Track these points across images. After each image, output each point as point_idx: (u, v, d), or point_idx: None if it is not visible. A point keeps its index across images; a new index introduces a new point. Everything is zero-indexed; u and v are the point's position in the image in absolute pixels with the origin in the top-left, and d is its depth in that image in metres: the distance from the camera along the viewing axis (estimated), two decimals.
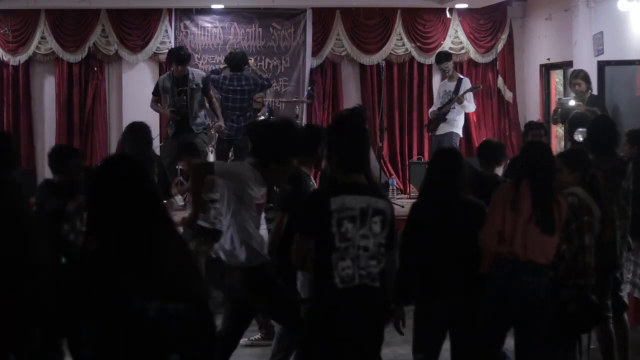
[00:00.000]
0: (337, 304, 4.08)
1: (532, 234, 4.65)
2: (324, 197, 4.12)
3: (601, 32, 10.18)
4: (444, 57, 11.13)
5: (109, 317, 2.63)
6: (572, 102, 9.01)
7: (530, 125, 7.40)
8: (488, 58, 12.60)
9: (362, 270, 4.09)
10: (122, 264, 2.64)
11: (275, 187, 5.22)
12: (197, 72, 10.02)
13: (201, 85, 9.79)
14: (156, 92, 10.01)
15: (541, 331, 4.70)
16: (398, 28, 12.33)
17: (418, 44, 12.37)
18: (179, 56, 9.75)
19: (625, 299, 5.85)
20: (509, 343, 4.99)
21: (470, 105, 10.85)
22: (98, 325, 2.65)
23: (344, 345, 4.13)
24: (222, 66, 10.41)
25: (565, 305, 4.80)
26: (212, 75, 10.11)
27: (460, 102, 10.51)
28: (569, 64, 10.74)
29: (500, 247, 4.67)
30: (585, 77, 9.07)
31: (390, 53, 12.36)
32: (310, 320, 4.21)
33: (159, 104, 10.04)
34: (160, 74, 12.22)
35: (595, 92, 9.58)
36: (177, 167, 9.86)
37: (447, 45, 12.25)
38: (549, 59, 11.92)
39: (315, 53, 12.24)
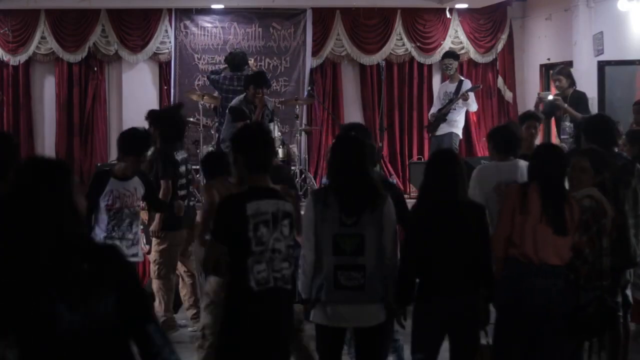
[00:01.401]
0: (252, 306, 4.16)
1: (542, 235, 4.65)
2: (240, 203, 4.20)
3: (601, 32, 10.19)
4: (450, 54, 11.11)
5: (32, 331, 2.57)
6: (550, 97, 9.19)
7: (525, 116, 7.34)
8: (488, 58, 12.61)
9: (277, 273, 4.21)
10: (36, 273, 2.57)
11: None
12: (269, 101, 9.36)
13: (270, 116, 9.19)
14: (243, 117, 8.77)
15: (552, 333, 4.71)
16: (398, 28, 12.33)
17: (418, 44, 12.38)
18: (260, 79, 9.01)
19: (630, 298, 5.85)
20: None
21: (473, 104, 10.87)
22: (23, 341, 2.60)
23: (259, 345, 4.21)
24: (222, 66, 10.40)
25: (584, 308, 4.81)
26: (212, 76, 10.08)
27: (465, 98, 10.50)
28: (569, 64, 10.74)
29: (510, 251, 4.68)
30: (567, 74, 9.18)
31: (390, 53, 12.37)
32: (226, 322, 4.26)
33: None
34: (160, 74, 12.25)
35: (595, 92, 9.60)
36: None
37: (447, 45, 12.25)
38: (549, 59, 11.92)
39: (315, 53, 12.24)
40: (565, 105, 8.92)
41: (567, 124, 8.95)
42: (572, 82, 9.18)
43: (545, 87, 12.16)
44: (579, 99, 9.00)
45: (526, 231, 4.66)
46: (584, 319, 4.80)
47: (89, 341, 2.57)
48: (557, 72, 9.33)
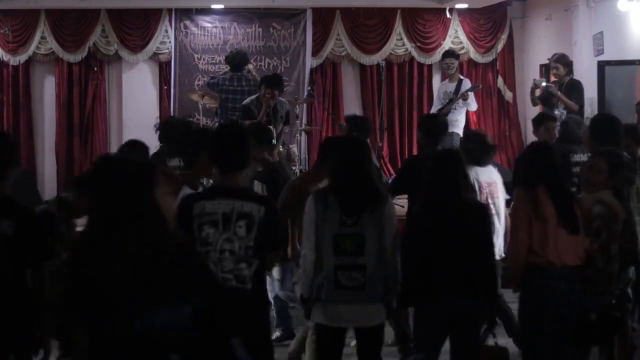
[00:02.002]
0: None
1: (562, 238, 4.66)
2: (188, 203, 4.24)
3: (601, 32, 10.18)
4: (451, 53, 11.12)
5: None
6: (544, 83, 9.38)
7: (540, 118, 7.27)
8: (488, 58, 12.61)
9: (228, 274, 4.13)
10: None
11: None
12: (285, 104, 9.22)
13: (284, 118, 9.06)
14: (251, 116, 8.74)
15: (565, 335, 4.71)
16: (398, 28, 12.33)
17: (418, 44, 12.37)
18: (272, 80, 8.90)
19: (630, 296, 5.81)
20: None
21: (472, 104, 10.87)
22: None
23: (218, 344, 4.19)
24: (222, 72, 10.34)
25: (587, 314, 4.76)
26: (211, 81, 10.06)
27: (465, 98, 10.50)
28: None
29: (531, 258, 4.66)
30: (564, 62, 9.29)
31: (390, 53, 12.37)
32: None
33: None
34: (160, 74, 12.25)
35: (595, 92, 9.59)
36: None
37: (447, 45, 12.25)
38: (549, 59, 11.89)
39: (315, 53, 12.24)
40: (559, 93, 9.05)
41: (561, 111, 9.09)
42: (570, 70, 9.34)
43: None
44: (574, 87, 9.14)
45: (547, 238, 4.65)
46: (586, 325, 4.75)
47: (166, 345, 2.56)
48: (555, 60, 9.43)
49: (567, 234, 4.67)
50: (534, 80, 10.11)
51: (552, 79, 9.65)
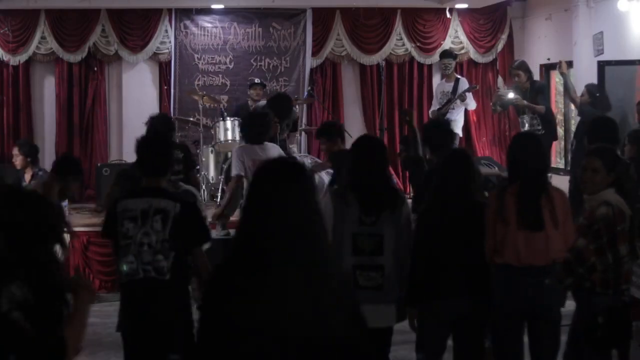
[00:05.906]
0: (124, 295, 4.65)
1: (522, 240, 4.54)
2: (114, 202, 4.65)
3: (601, 32, 10.18)
4: (448, 54, 11.16)
5: None
6: (510, 95, 9.72)
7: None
8: (488, 58, 12.61)
9: (148, 265, 4.46)
10: None
11: None
12: (294, 112, 9.15)
13: (290, 126, 9.02)
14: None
15: (551, 331, 4.67)
16: (398, 28, 12.34)
17: (418, 44, 12.38)
18: (282, 112, 8.58)
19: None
20: None
21: (471, 103, 10.91)
22: None
23: (136, 332, 4.58)
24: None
25: (595, 317, 4.61)
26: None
27: (463, 99, 10.55)
28: (569, 64, 10.74)
29: (495, 258, 4.60)
30: (525, 68, 9.74)
31: (390, 53, 12.37)
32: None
33: None
34: (160, 74, 12.24)
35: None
36: None
37: (447, 45, 12.26)
38: (549, 59, 11.92)
39: (315, 53, 12.24)
40: (525, 102, 9.51)
41: (530, 115, 9.52)
42: (530, 75, 9.76)
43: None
44: (539, 91, 9.63)
45: (507, 239, 4.56)
46: (594, 329, 4.61)
47: None
48: (516, 67, 9.88)
49: (531, 234, 4.53)
50: (498, 90, 10.38)
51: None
